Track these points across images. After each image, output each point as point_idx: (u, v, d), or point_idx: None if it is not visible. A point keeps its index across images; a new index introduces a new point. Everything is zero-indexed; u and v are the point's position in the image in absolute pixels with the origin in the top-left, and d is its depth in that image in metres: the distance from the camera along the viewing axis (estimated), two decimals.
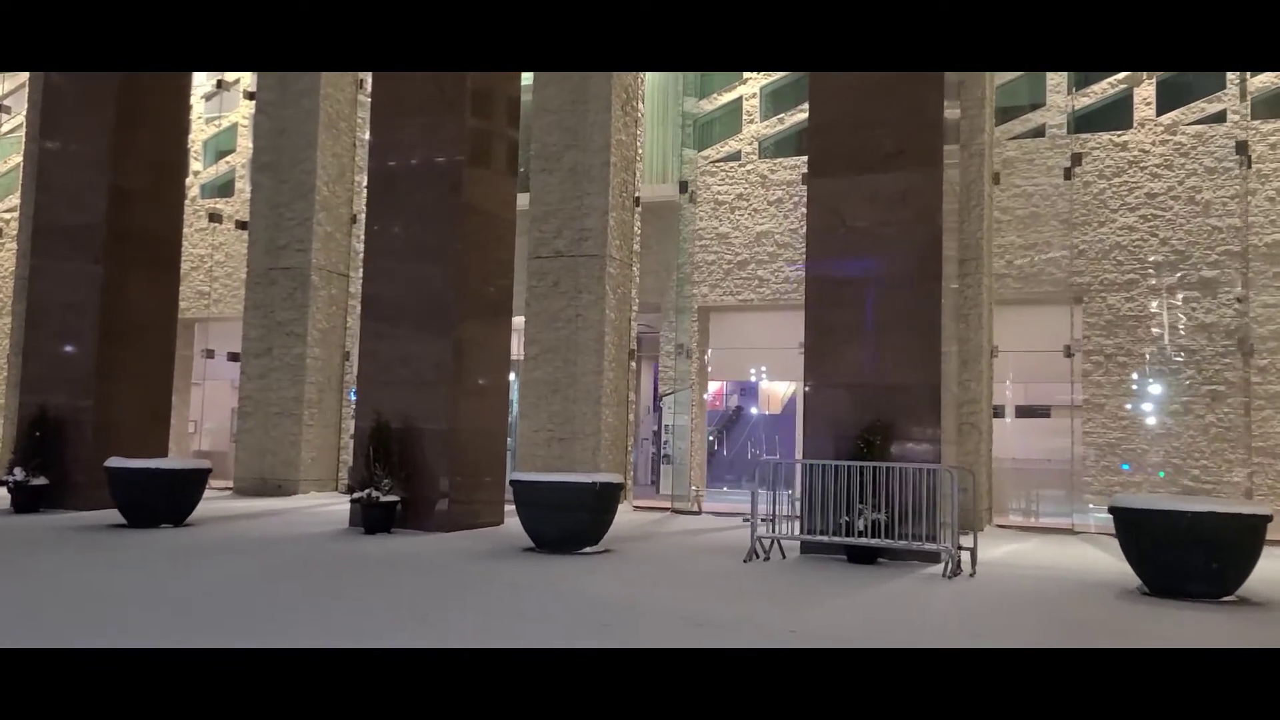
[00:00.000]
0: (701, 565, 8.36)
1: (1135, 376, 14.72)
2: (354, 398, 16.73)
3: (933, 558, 8.49)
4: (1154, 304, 14.65)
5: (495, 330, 11.48)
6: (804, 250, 15.75)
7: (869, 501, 8.28)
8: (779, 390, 25.48)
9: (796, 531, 8.76)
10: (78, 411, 12.28)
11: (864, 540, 8.22)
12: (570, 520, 8.71)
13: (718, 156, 17.39)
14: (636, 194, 14.58)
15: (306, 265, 15.33)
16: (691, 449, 15.83)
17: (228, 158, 21.20)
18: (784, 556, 8.73)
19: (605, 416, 13.61)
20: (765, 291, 16.98)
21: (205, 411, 20.36)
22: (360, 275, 16.71)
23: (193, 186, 20.96)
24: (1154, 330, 14.62)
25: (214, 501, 13.14)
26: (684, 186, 14.71)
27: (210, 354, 17.29)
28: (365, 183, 16.93)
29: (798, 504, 9.05)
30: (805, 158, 17.06)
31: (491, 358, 11.37)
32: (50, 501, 11.88)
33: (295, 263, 15.39)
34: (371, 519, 10.15)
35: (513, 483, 9.01)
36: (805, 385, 9.21)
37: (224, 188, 21.26)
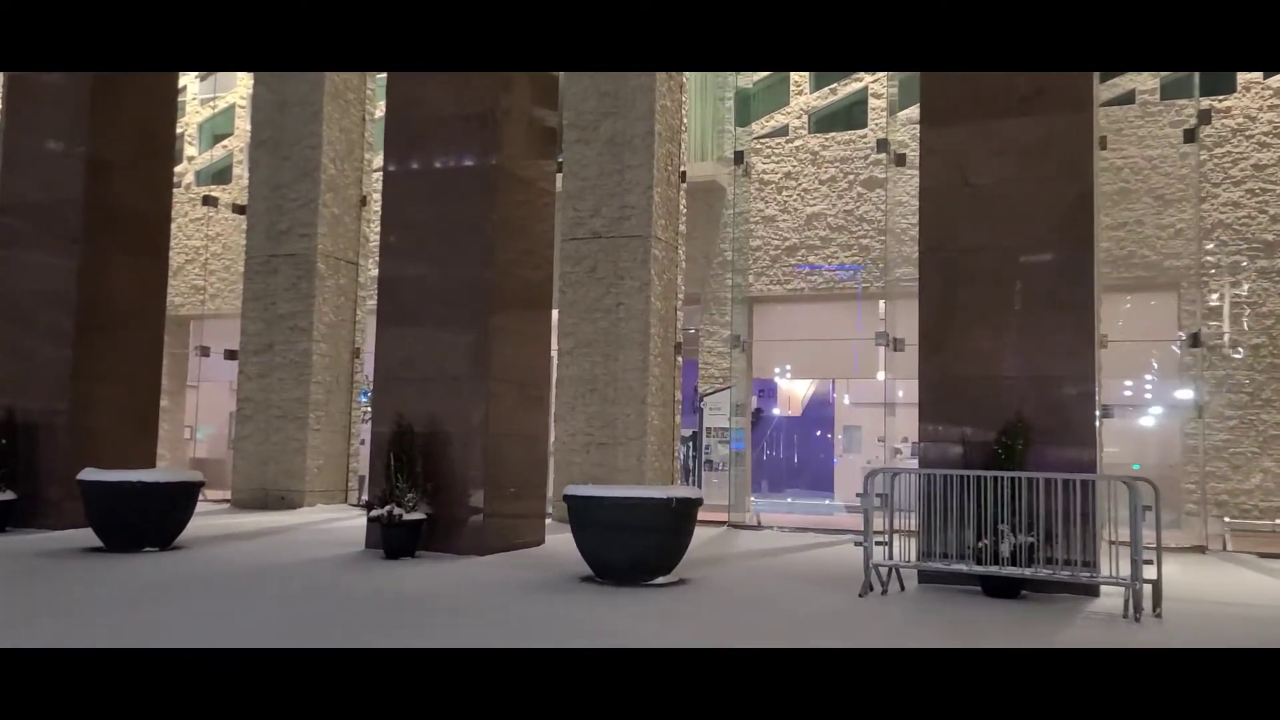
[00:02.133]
0: (808, 602, 6.75)
1: (1242, 371, 13.11)
2: (364, 399, 15.13)
3: (1086, 590, 6.90)
4: (1264, 289, 13.03)
5: (534, 319, 9.87)
6: (854, 229, 14.31)
7: (1012, 520, 6.66)
8: (799, 391, 24.04)
9: (906, 556, 7.12)
10: (51, 416, 10.66)
11: (1014, 570, 6.60)
12: (641, 545, 7.11)
13: (762, 132, 15.81)
14: (682, 168, 12.97)
15: (311, 251, 13.71)
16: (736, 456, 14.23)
17: (224, 142, 19.64)
18: (902, 588, 7.12)
19: (651, 418, 11.99)
20: (817, 280, 15.40)
21: (201, 416, 18.75)
22: (371, 263, 15.14)
23: (187, 173, 19.43)
24: (1265, 319, 13.00)
25: (209, 517, 11.54)
26: (739, 158, 13.11)
27: (205, 352, 15.67)
28: (376, 161, 15.37)
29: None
30: (861, 132, 15.56)
31: (530, 351, 9.76)
32: (19, 519, 10.29)
33: (299, 249, 13.78)
34: (393, 540, 8.55)
35: (567, 498, 7.40)
36: (922, 378, 7.58)
37: (221, 174, 19.71)
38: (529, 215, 9.74)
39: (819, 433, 29.25)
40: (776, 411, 24.55)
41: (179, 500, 9.10)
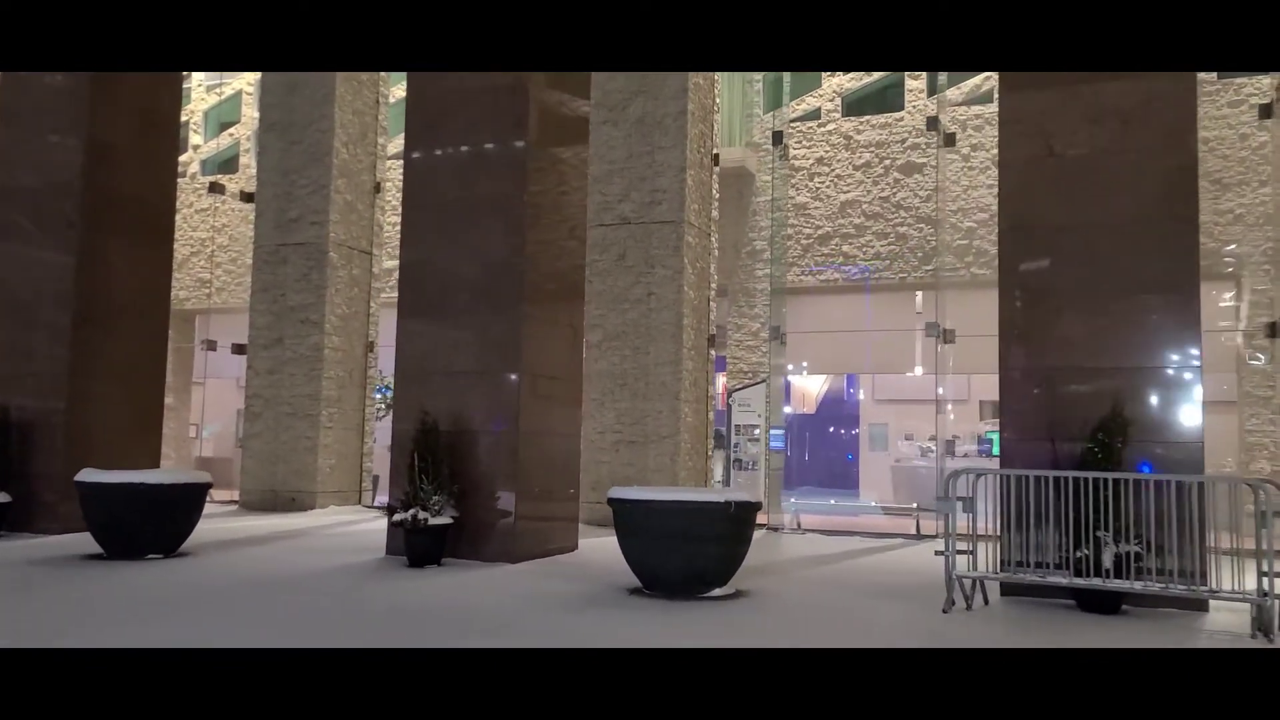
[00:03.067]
0: (887, 617, 6.05)
1: None
2: (379, 395, 14.46)
3: (1193, 605, 6.20)
4: None
5: (567, 307, 9.19)
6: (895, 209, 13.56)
7: (1116, 526, 5.95)
8: (812, 388, 23.41)
9: (985, 565, 6.40)
10: (47, 414, 9.98)
11: (1121, 584, 5.89)
12: (696, 554, 6.41)
13: (793, 116, 15.10)
14: (715, 150, 12.27)
15: (323, 240, 13.03)
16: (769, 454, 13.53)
17: (231, 129, 18.99)
18: (986, 601, 6.43)
19: (684, 415, 11.30)
20: (852, 270, 14.70)
21: (207, 414, 18.09)
22: (385, 253, 14.47)
23: (192, 163, 18.78)
24: None
25: (215, 520, 10.86)
26: (778, 138, 12.37)
27: (211, 346, 15.00)
28: (390, 147, 14.68)
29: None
30: (898, 114, 14.85)
31: (563, 342, 9.08)
32: (14, 523, 9.63)
33: (310, 237, 13.10)
34: (417, 547, 7.87)
35: (613, 502, 6.70)
36: (1003, 370, 6.88)
37: (227, 164, 19.05)
38: (561, 196, 9.04)
39: (831, 430, 28.60)
40: (788, 409, 23.90)
41: (184, 503, 8.42)
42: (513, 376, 8.33)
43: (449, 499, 8.00)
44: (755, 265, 15.28)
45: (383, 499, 14.03)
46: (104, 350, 10.33)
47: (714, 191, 12.32)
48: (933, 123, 11.89)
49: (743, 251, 15.26)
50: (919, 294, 14.95)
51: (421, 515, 7.75)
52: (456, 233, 8.63)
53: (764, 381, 13.90)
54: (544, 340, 8.68)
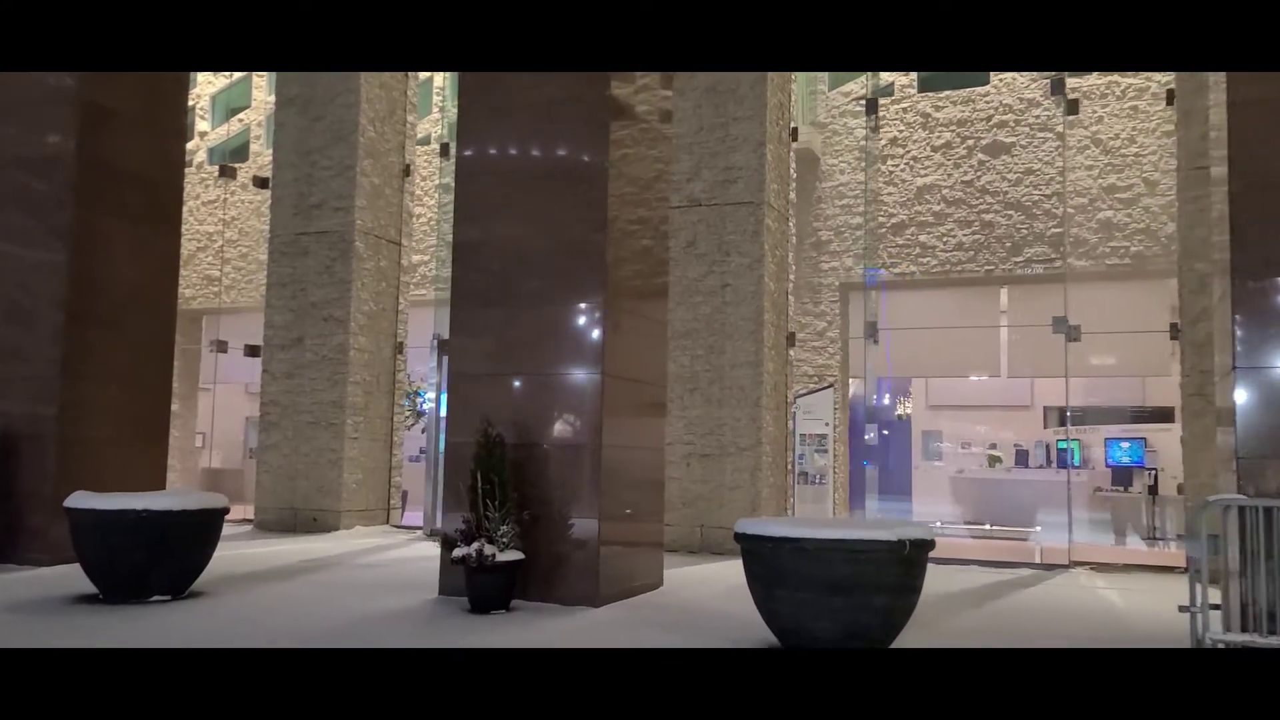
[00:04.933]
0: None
1: None
2: (408, 404, 13.04)
3: None
4: None
5: (653, 298, 7.77)
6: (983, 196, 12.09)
7: None
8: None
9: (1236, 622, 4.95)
10: (35, 424, 8.56)
11: None
12: (859, 606, 4.97)
13: (862, 92, 13.68)
14: (793, 124, 10.85)
15: (349, 228, 11.61)
16: (837, 464, 12.10)
17: (240, 115, 17.58)
18: None
19: (765, 424, 9.87)
20: (930, 262, 13.27)
21: (214, 423, 16.65)
22: (413, 245, 13.06)
23: (199, 150, 17.38)
24: None
25: (230, 544, 9.40)
26: (872, 106, 10.96)
27: (221, 347, 13.58)
28: (420, 128, 13.27)
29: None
30: (981, 89, 13.43)
31: (647, 338, 7.65)
32: None
33: (333, 225, 11.68)
34: (482, 589, 6.43)
35: (744, 538, 5.26)
36: (1237, 369, 5.42)
37: (237, 153, 17.62)
38: (647, 165, 7.62)
39: (857, 438, 27.01)
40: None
41: (196, 533, 6.97)
42: (594, 380, 6.89)
43: (517, 529, 6.57)
44: (821, 258, 13.88)
45: (411, 517, 12.66)
46: (102, 350, 8.91)
47: (791, 171, 10.90)
48: (1057, 86, 10.41)
49: (806, 243, 13.85)
50: (1004, 289, 13.54)
51: (488, 550, 6.30)
52: (523, 207, 7.20)
53: (832, 386, 12.48)
54: (627, 336, 7.24)
